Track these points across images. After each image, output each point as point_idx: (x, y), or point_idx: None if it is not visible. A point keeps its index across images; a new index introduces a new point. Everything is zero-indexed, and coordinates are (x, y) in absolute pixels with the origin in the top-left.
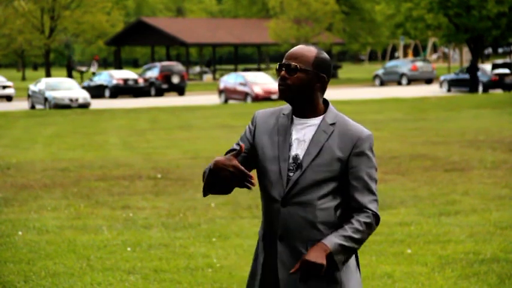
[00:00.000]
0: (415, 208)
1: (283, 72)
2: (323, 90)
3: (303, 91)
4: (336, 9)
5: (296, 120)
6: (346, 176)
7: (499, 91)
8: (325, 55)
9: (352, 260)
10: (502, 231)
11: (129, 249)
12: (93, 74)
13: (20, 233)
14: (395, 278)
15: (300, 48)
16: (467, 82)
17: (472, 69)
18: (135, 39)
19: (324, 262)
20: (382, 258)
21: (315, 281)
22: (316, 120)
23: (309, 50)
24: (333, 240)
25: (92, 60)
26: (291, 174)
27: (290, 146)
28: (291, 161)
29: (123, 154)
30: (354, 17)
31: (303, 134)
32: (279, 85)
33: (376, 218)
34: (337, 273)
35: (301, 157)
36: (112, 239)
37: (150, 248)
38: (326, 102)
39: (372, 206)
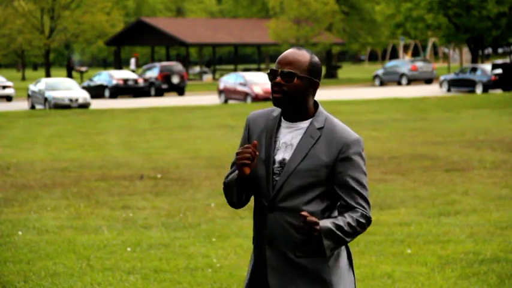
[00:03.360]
0: (415, 208)
1: (278, 79)
2: (314, 95)
3: (298, 97)
4: (336, 9)
5: (284, 123)
6: (333, 182)
7: (499, 91)
8: (317, 59)
9: (344, 260)
10: (502, 231)
11: (129, 249)
12: (133, 72)
13: (20, 233)
14: (395, 278)
15: (293, 53)
16: (468, 82)
17: (508, 67)
18: (135, 39)
19: (315, 234)
20: (382, 258)
21: (304, 283)
22: (305, 124)
23: (303, 56)
24: (324, 222)
25: (131, 58)
26: (277, 178)
27: (277, 149)
28: (277, 165)
29: (123, 154)
30: (354, 17)
31: (290, 138)
32: (274, 92)
33: (368, 220)
34: (327, 275)
35: (287, 162)
36: (112, 239)
37: (150, 248)
38: (316, 105)
39: (363, 207)
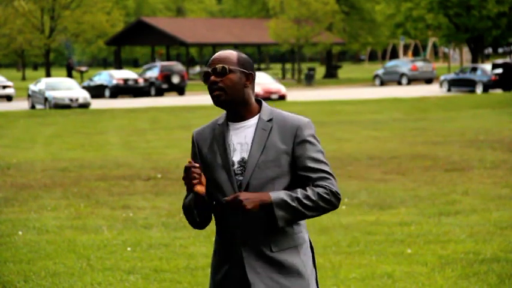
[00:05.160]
0: (415, 208)
1: (212, 77)
2: (253, 89)
3: (236, 91)
4: (336, 9)
5: (232, 125)
6: (294, 169)
7: (499, 91)
8: (245, 55)
9: (310, 258)
10: (502, 231)
11: (129, 249)
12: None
13: (20, 233)
14: (395, 278)
15: (220, 53)
16: (468, 82)
17: (509, 67)
18: (135, 39)
19: (248, 207)
20: (382, 258)
21: (284, 277)
22: (253, 120)
23: (230, 53)
24: (279, 194)
25: (156, 57)
26: (240, 178)
27: (233, 151)
28: (236, 165)
29: (123, 154)
30: (354, 17)
31: (244, 137)
32: (213, 90)
33: (335, 195)
34: (303, 268)
35: (247, 159)
36: (112, 239)
37: (150, 248)
38: (259, 102)
39: (327, 183)
